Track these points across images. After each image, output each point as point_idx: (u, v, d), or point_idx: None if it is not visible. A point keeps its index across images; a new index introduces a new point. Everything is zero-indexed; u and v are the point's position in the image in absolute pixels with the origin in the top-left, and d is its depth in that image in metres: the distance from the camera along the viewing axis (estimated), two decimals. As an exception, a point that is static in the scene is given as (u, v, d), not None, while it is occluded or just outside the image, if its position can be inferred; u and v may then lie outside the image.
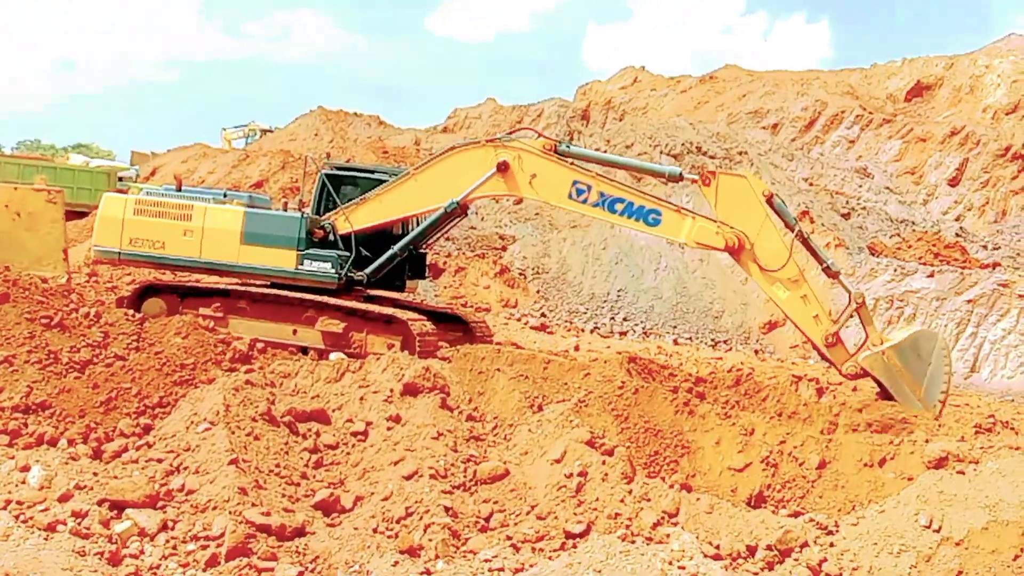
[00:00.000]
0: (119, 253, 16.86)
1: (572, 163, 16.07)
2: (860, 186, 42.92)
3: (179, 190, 17.57)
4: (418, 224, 17.14)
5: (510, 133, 16.90)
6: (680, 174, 16.17)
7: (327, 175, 17.50)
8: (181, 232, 16.55)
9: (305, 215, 16.79)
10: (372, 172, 17.64)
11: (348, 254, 16.69)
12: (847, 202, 38.44)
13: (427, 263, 19.84)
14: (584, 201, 15.83)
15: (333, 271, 16.56)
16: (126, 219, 16.69)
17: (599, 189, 15.79)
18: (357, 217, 16.71)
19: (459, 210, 16.60)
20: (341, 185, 17.33)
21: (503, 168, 15.97)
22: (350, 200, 16.90)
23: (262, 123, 60.16)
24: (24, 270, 14.72)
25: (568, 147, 16.40)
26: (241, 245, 16.52)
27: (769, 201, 15.52)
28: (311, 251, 16.58)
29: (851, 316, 15.67)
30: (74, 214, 28.32)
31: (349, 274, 16.68)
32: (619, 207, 15.76)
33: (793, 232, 15.58)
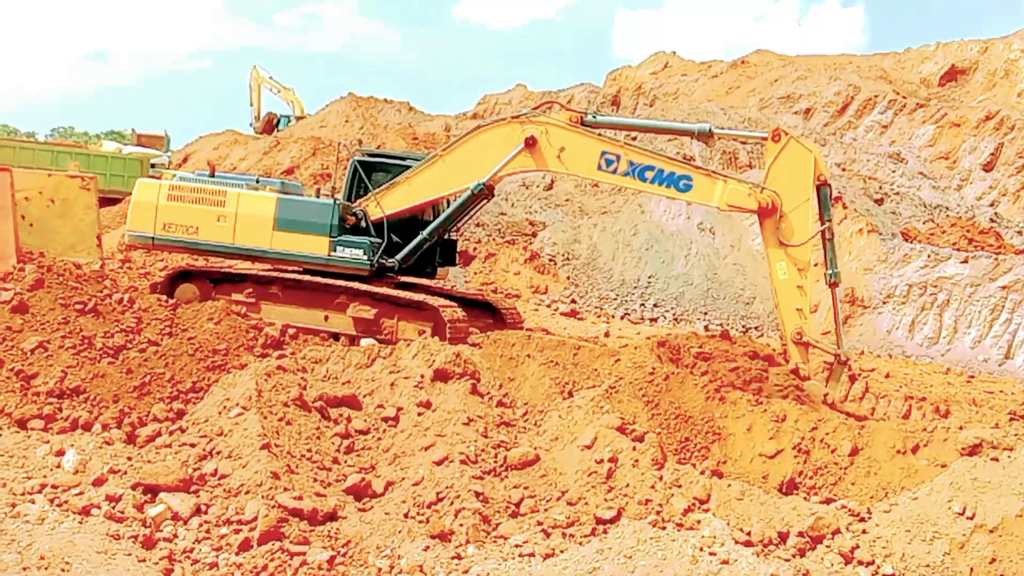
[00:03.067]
0: (153, 238, 16.95)
1: (600, 134, 15.98)
2: (893, 171, 42.53)
3: (212, 176, 17.64)
4: (447, 209, 17.16)
5: (535, 109, 16.82)
6: (711, 130, 16.02)
7: (359, 162, 17.55)
8: (215, 218, 16.63)
9: (337, 201, 16.83)
10: (403, 159, 17.66)
11: (380, 241, 16.73)
12: (880, 187, 38.11)
13: (457, 250, 19.85)
14: (614, 171, 15.74)
15: (365, 257, 16.61)
16: (160, 204, 16.78)
17: (628, 158, 15.69)
18: (388, 202, 16.75)
19: (486, 192, 16.59)
20: (373, 172, 17.37)
21: (531, 143, 15.94)
22: (381, 187, 16.95)
23: (299, 103, 59.34)
24: (58, 256, 14.86)
25: (595, 117, 16.36)
26: (274, 231, 16.59)
27: (821, 186, 15.32)
28: (344, 237, 16.63)
29: (833, 363, 15.54)
30: (107, 200, 28.53)
31: (381, 260, 16.72)
32: (649, 175, 15.63)
33: (823, 225, 15.36)
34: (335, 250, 16.62)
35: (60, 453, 10.47)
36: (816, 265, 15.70)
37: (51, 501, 9.36)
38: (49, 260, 14.39)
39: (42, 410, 11.62)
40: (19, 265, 14.15)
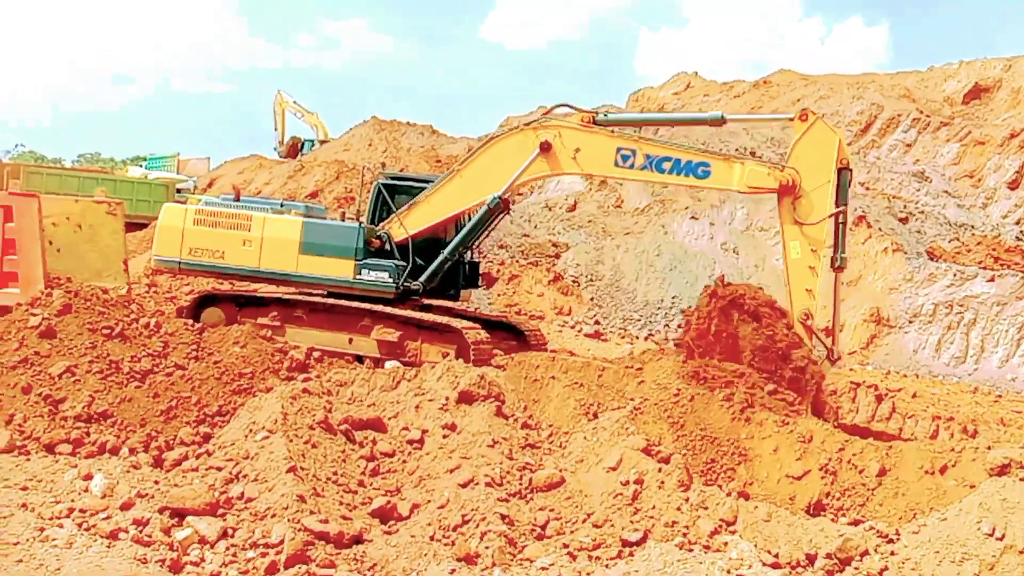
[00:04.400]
0: (179, 263, 17.06)
1: (613, 131, 16.00)
2: (918, 190, 42.31)
3: (237, 200, 17.75)
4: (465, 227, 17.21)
5: (546, 114, 16.84)
6: (722, 117, 16.12)
7: (382, 184, 17.63)
8: (240, 242, 16.73)
9: (363, 225, 16.91)
10: (426, 181, 17.74)
11: (405, 263, 16.79)
12: (905, 206, 37.92)
13: (480, 272, 19.89)
14: (631, 166, 15.85)
15: (391, 280, 16.67)
16: (186, 229, 16.91)
17: (644, 151, 15.80)
18: (410, 221, 16.82)
19: (502, 206, 16.67)
20: (396, 194, 17.45)
21: (546, 148, 16.02)
22: (403, 208, 17.03)
23: (323, 127, 59.63)
24: (85, 281, 14.96)
25: (606, 116, 16.40)
26: (299, 255, 16.66)
27: (843, 169, 15.38)
28: (369, 261, 16.69)
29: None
30: (133, 225, 28.72)
31: (405, 283, 16.77)
32: (667, 165, 15.72)
33: (837, 208, 15.35)
34: (360, 273, 16.68)
35: (88, 477, 10.53)
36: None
37: (79, 525, 9.41)
38: (76, 285, 14.51)
39: (70, 434, 11.72)
40: (47, 290, 14.28)
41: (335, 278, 16.76)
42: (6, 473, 10.65)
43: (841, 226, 15.52)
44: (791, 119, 15.64)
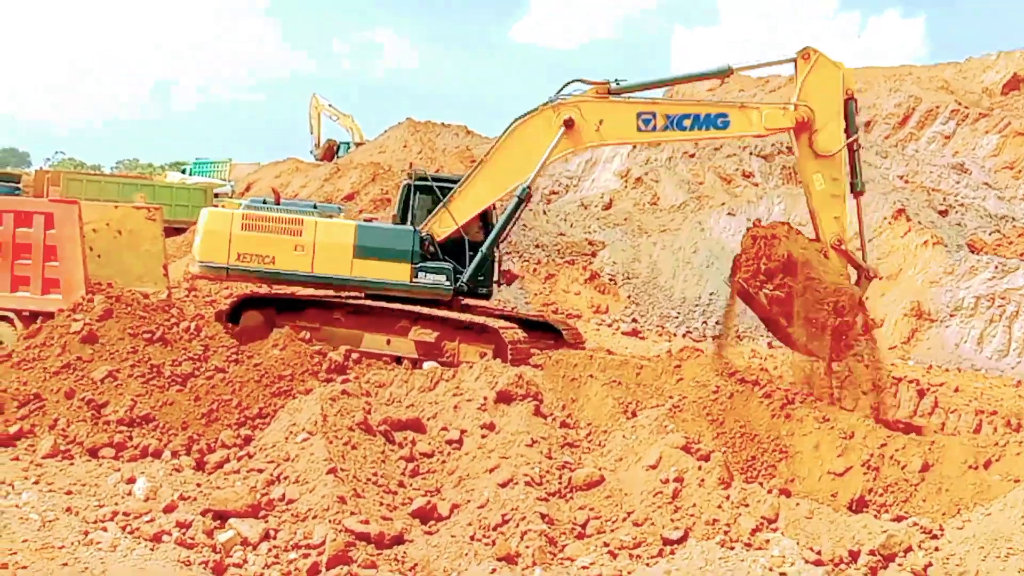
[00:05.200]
0: (227, 268, 16.76)
1: (628, 97, 16.29)
2: (957, 182, 41.89)
3: (278, 203, 17.79)
4: (494, 223, 17.17)
5: (560, 92, 16.81)
6: (729, 68, 16.42)
7: (410, 185, 17.62)
8: (292, 247, 16.56)
9: (416, 228, 16.83)
10: (454, 181, 17.74)
11: (450, 264, 16.81)
12: (944, 199, 37.55)
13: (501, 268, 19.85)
14: (654, 128, 16.18)
15: (447, 282, 16.69)
16: (233, 234, 16.65)
17: (663, 112, 16.17)
18: (446, 220, 16.77)
19: (529, 195, 16.74)
20: (425, 194, 17.44)
21: (569, 125, 16.14)
22: (432, 209, 17.02)
23: (358, 129, 59.83)
24: (126, 286, 15.10)
25: (618, 84, 16.48)
26: (354, 259, 16.56)
27: (848, 100, 15.80)
28: (425, 264, 16.67)
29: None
30: (172, 230, 28.99)
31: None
32: (687, 122, 16.15)
33: (850, 138, 15.76)
34: (417, 276, 16.64)
35: (131, 480, 10.64)
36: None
37: (123, 528, 9.49)
38: (117, 290, 14.66)
39: (113, 438, 11.85)
40: (88, 296, 14.44)
41: (392, 282, 16.66)
42: (50, 477, 10.79)
43: (855, 153, 16.04)
44: (794, 59, 15.95)
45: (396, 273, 16.66)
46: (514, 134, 16.54)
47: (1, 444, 11.71)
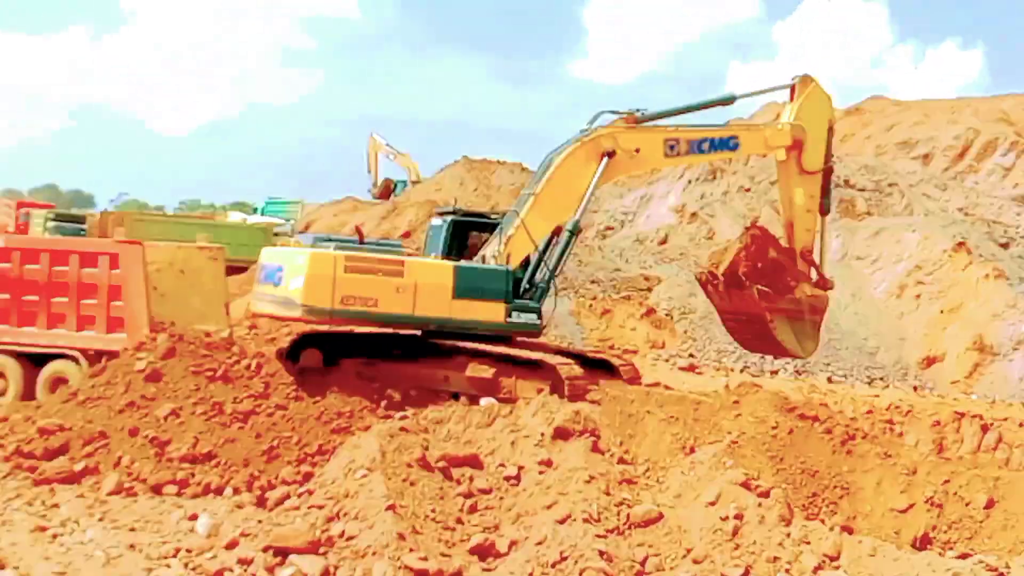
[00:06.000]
0: (331, 312, 15.99)
1: (654, 125, 17.14)
2: (1018, 214, 41.29)
3: (362, 242, 17.63)
4: (542, 255, 17.16)
5: (592, 124, 17.05)
6: (733, 97, 17.99)
7: (455, 221, 17.67)
8: (394, 288, 16.07)
9: (509, 267, 16.78)
10: (492, 216, 17.77)
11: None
12: (1005, 231, 37.10)
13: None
14: (678, 153, 17.38)
15: (537, 319, 16.75)
16: (338, 277, 15.90)
17: (686, 138, 17.11)
18: (514, 253, 16.75)
19: (579, 229, 16.97)
20: (469, 231, 17.49)
21: (611, 155, 16.52)
22: (473, 245, 17.08)
23: (415, 167, 60.20)
24: (189, 325, 15.33)
25: (643, 113, 17.18)
26: (452, 300, 16.46)
27: (830, 127, 17.75)
28: (519, 301, 16.68)
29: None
30: (234, 269, 29.35)
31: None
32: (706, 146, 17.36)
33: (827, 162, 17.68)
34: (511, 315, 16.63)
35: (193, 517, 10.79)
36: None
37: (185, 565, 9.63)
38: (180, 329, 14.90)
39: (176, 475, 12.03)
40: (152, 335, 14.70)
41: (487, 322, 16.49)
42: (115, 514, 10.99)
43: (829, 176, 17.97)
44: (792, 86, 17.57)
45: (492, 313, 16.50)
46: (560, 168, 16.61)
47: (67, 481, 11.94)
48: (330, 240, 17.98)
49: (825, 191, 17.78)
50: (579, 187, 16.59)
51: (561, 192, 16.62)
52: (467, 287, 16.34)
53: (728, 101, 17.98)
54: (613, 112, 17.07)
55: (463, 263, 16.71)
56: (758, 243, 17.34)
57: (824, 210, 17.84)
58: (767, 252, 17.22)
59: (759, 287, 17.06)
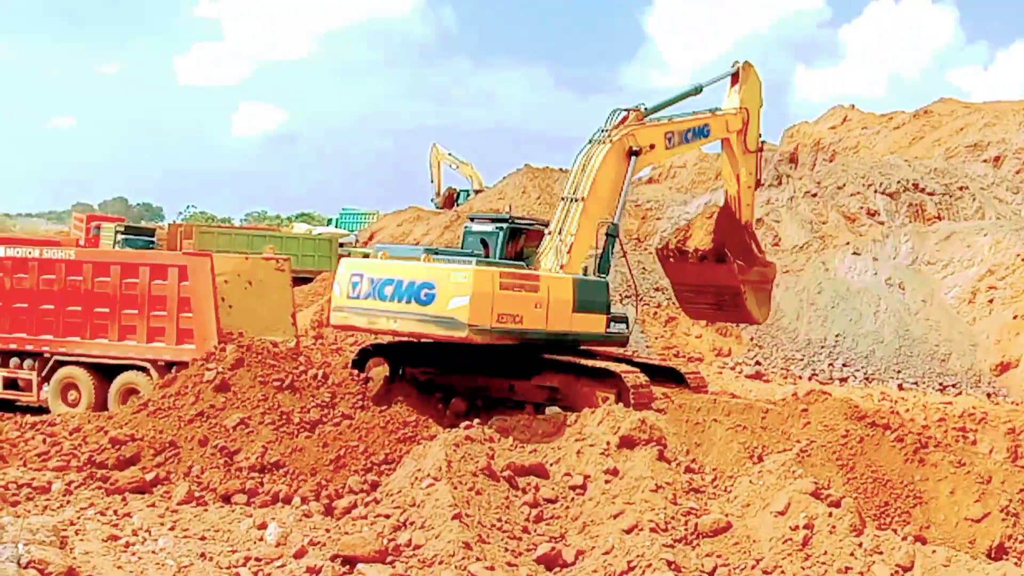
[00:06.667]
0: (491, 330, 15.60)
1: (655, 120, 17.76)
2: (1094, 218, 40.38)
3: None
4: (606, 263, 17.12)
5: (609, 122, 17.15)
6: (700, 87, 18.74)
7: (512, 228, 17.63)
8: (533, 304, 15.87)
9: (607, 279, 16.76)
10: (545, 223, 17.72)
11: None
12: (1081, 235, 36.23)
13: None
14: (674, 145, 18.09)
15: (626, 328, 16.78)
16: (495, 294, 15.53)
17: (678, 130, 18.03)
18: (576, 262, 16.66)
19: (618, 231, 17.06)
20: (521, 235, 17.46)
21: (637, 153, 16.93)
22: (524, 250, 17.05)
23: (478, 176, 60.39)
24: (256, 335, 15.50)
25: (647, 108, 17.63)
26: (573, 313, 16.19)
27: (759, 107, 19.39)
28: (614, 312, 16.71)
29: None
30: (300, 280, 29.68)
31: None
32: (690, 135, 18.36)
33: (760, 140, 19.56)
34: (608, 326, 16.61)
35: (262, 526, 10.88)
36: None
37: (255, 574, 9.71)
38: (248, 340, 15.08)
39: (245, 485, 12.15)
40: (220, 345, 14.89)
41: (593, 333, 16.52)
42: (186, 523, 11.12)
43: (760, 152, 19.77)
44: (736, 72, 19.05)
45: (597, 325, 16.47)
46: (600, 172, 16.57)
47: (138, 491, 12.12)
48: (436, 251, 17.48)
49: (759, 168, 19.71)
50: (616, 189, 16.75)
51: (605, 195, 16.65)
52: (584, 300, 16.21)
53: (697, 91, 18.79)
54: (625, 109, 17.32)
55: (579, 276, 16.45)
56: (723, 220, 18.89)
57: (759, 182, 19.82)
58: (736, 228, 18.92)
59: (738, 261, 18.72)
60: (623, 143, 16.71)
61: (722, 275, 18.76)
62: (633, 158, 16.80)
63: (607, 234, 16.57)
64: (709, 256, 18.77)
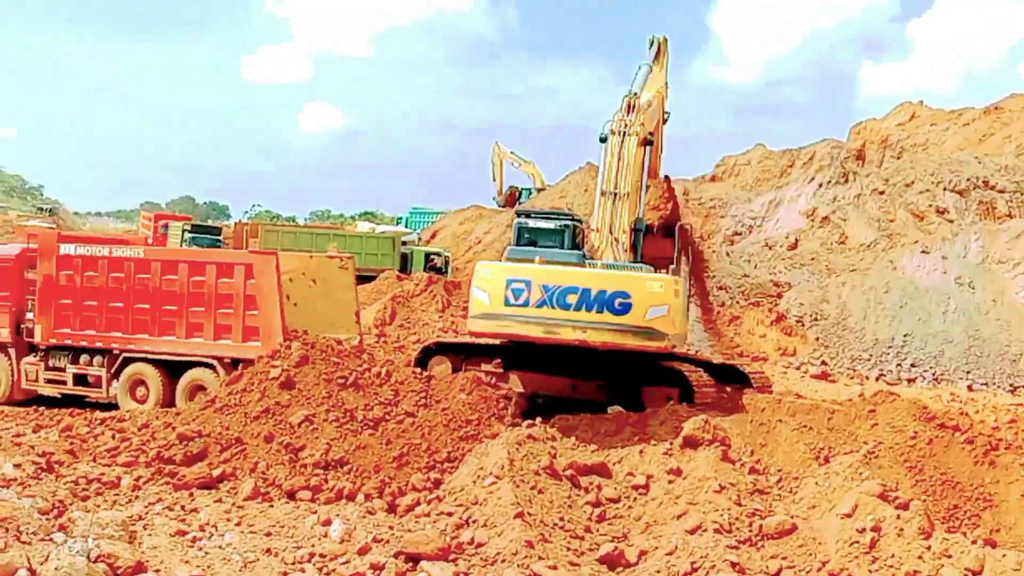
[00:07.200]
0: (681, 337, 16.23)
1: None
2: None
3: None
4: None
5: (617, 114, 17.45)
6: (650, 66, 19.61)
7: (575, 225, 17.54)
8: (682, 309, 16.28)
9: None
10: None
11: None
12: None
13: None
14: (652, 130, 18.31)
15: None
16: (680, 302, 16.00)
17: (657, 110, 19.18)
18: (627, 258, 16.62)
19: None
20: (580, 233, 17.40)
21: (650, 143, 17.44)
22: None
23: (540, 175, 60.37)
24: (321, 333, 15.64)
25: (637, 94, 18.01)
26: (683, 315, 16.36)
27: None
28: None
29: None
30: (363, 278, 29.89)
31: None
32: (660, 112, 19.72)
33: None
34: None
35: (327, 523, 10.97)
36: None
37: (320, 570, 9.79)
38: (312, 337, 15.22)
39: (309, 481, 12.26)
40: (285, 343, 15.04)
41: (681, 335, 16.40)
42: (251, 519, 11.25)
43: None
44: (659, 46, 20.51)
45: (684, 326, 16.60)
46: (628, 165, 16.63)
47: (205, 486, 12.29)
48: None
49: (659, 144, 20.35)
50: (636, 172, 16.84)
51: (632, 181, 16.70)
52: (683, 300, 16.24)
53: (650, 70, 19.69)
54: (628, 100, 17.59)
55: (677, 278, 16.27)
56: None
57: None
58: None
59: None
60: (640, 135, 16.94)
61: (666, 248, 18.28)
62: (648, 148, 17.14)
63: (634, 228, 16.50)
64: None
